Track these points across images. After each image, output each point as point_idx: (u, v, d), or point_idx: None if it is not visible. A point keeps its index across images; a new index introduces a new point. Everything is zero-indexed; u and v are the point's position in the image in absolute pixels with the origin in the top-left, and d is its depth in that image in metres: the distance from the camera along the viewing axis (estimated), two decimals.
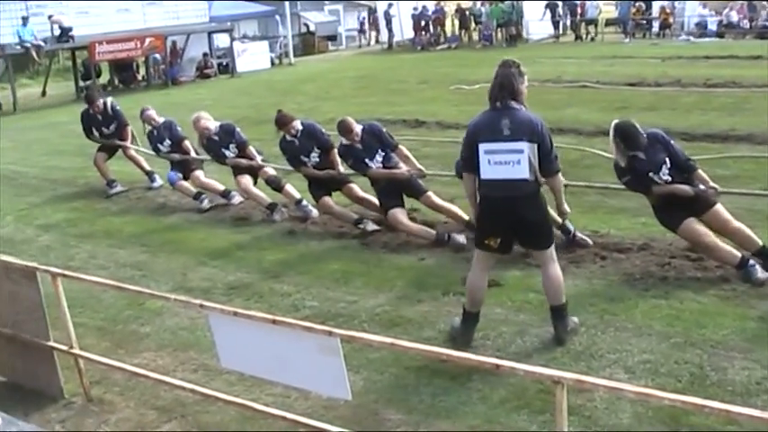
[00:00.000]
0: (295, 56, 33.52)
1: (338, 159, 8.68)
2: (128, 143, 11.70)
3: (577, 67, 22.28)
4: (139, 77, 29.45)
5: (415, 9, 35.29)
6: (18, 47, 24.09)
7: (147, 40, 26.81)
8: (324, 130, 8.99)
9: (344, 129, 8.18)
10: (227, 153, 9.78)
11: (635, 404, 4.67)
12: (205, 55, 29.81)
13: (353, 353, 5.42)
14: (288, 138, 8.85)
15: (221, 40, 31.02)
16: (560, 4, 33.12)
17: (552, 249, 5.68)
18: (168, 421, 5.14)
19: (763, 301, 6.02)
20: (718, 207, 6.51)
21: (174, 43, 29.36)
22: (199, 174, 10.40)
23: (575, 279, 6.80)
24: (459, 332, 5.81)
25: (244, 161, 9.71)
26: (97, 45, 25.48)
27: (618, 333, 5.73)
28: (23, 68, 29.67)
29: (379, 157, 8.14)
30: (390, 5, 35.46)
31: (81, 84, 27.11)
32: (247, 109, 18.42)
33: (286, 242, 8.64)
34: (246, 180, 9.66)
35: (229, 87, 25.75)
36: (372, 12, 39.45)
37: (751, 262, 6.39)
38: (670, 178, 6.44)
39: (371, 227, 8.54)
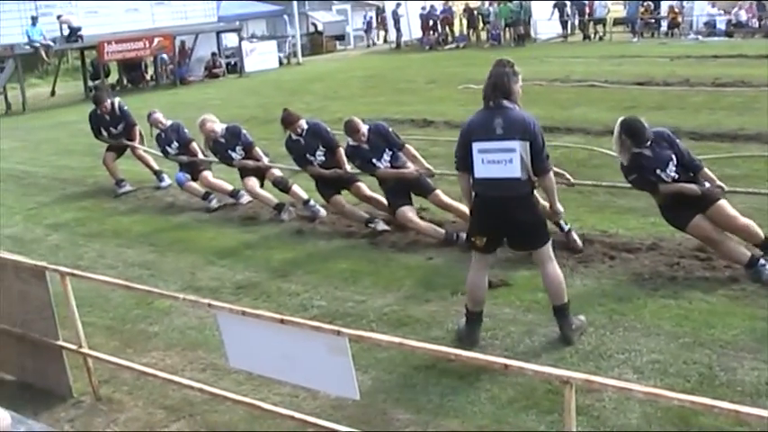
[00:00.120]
0: (303, 55, 33.55)
1: (344, 159, 8.69)
2: (136, 143, 11.73)
3: (586, 67, 22.22)
4: (148, 77, 29.51)
5: (424, 9, 35.23)
6: (27, 47, 24.16)
7: (156, 40, 26.88)
8: (329, 129, 9.00)
9: (351, 129, 8.18)
10: (233, 155, 9.80)
11: (644, 404, 4.67)
12: (213, 55, 29.87)
13: (362, 352, 5.42)
14: (293, 137, 8.86)
15: (230, 40, 31.11)
16: (568, 3, 33.02)
17: (549, 248, 5.69)
18: (176, 420, 5.15)
19: None
20: (723, 202, 6.48)
21: (182, 43, 29.41)
22: (207, 174, 10.42)
23: (583, 279, 6.80)
24: (465, 333, 5.81)
25: (251, 162, 9.73)
26: (106, 45, 25.55)
27: (627, 333, 5.72)
28: (33, 68, 29.76)
29: (386, 157, 8.14)
30: (398, 5, 35.43)
31: (90, 83, 27.21)
32: (255, 108, 18.44)
33: (294, 241, 8.65)
34: (253, 182, 9.68)
35: (238, 87, 25.78)
36: (380, 11, 39.43)
37: (761, 261, 6.37)
38: (677, 176, 6.42)
39: (382, 226, 8.54)
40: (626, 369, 5.22)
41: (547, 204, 6.14)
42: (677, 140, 6.58)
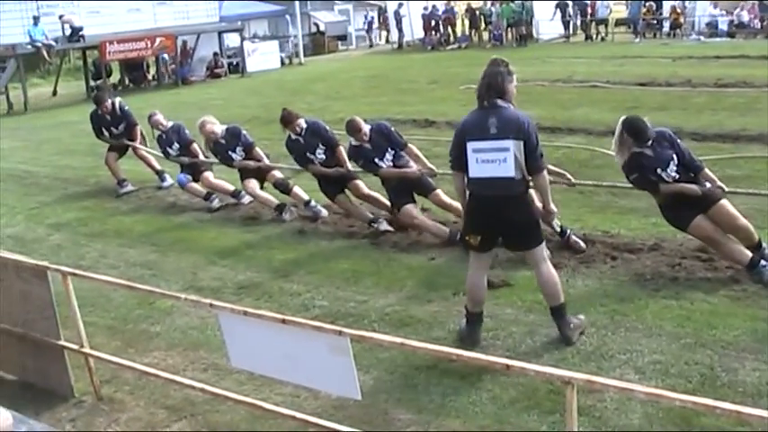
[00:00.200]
0: (305, 55, 33.55)
1: (345, 157, 8.72)
2: (137, 143, 11.74)
3: (588, 67, 22.22)
4: (150, 77, 29.53)
5: (426, 9, 35.26)
6: (29, 46, 24.18)
7: (158, 40, 26.89)
8: (328, 128, 9.02)
9: (352, 128, 8.19)
10: (233, 156, 9.80)
11: (645, 405, 4.66)
12: (215, 54, 29.89)
13: (363, 352, 5.43)
14: (293, 136, 8.89)
15: (231, 40, 31.11)
16: (571, 3, 32.99)
17: (542, 248, 5.70)
18: (178, 420, 5.15)
19: None
20: (724, 202, 6.49)
21: (184, 43, 29.42)
22: (208, 175, 10.43)
23: (585, 279, 6.80)
24: (466, 333, 5.82)
25: (251, 163, 9.73)
26: (108, 45, 25.57)
27: (628, 333, 5.72)
28: (34, 68, 29.78)
29: (389, 156, 8.15)
30: (400, 5, 35.44)
31: (92, 83, 27.22)
32: (257, 108, 18.45)
33: (296, 241, 8.65)
34: (253, 184, 9.70)
35: (239, 87, 25.79)
36: (383, 11, 39.44)
37: (763, 263, 6.37)
38: (677, 176, 6.43)
39: (384, 227, 8.55)
40: (628, 369, 5.22)
41: (540, 204, 6.15)
42: (678, 140, 6.59)
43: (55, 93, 27.81)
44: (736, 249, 6.44)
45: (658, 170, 6.41)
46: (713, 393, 4.66)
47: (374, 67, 28.03)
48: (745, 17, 30.82)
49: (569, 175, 7.61)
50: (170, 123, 10.85)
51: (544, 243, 5.75)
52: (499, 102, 5.42)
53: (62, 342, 5.42)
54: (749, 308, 5.95)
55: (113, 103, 11.75)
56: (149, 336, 6.51)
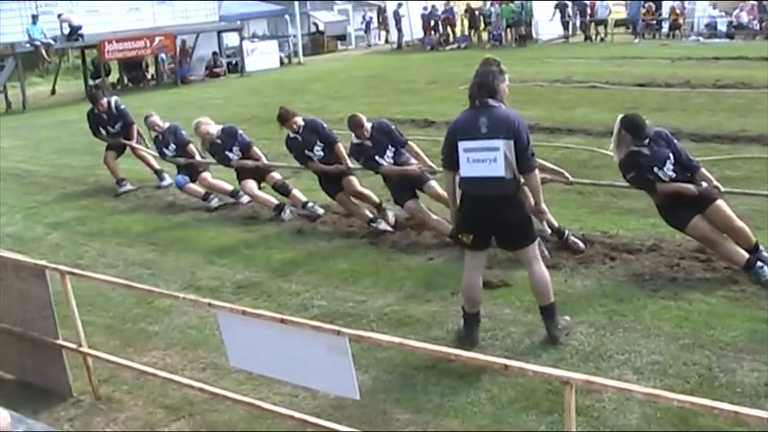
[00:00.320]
0: (304, 55, 33.56)
1: (344, 154, 8.76)
2: (134, 142, 11.73)
3: (587, 68, 22.23)
4: (149, 76, 29.52)
5: (425, 9, 35.25)
6: (28, 45, 24.16)
7: (157, 39, 26.88)
8: (325, 125, 9.04)
9: (354, 123, 8.20)
10: (231, 155, 9.81)
11: (643, 405, 4.67)
12: (214, 54, 29.88)
13: (362, 352, 5.42)
14: (291, 134, 8.92)
15: (231, 40, 31.10)
16: (570, 4, 33.02)
17: (535, 248, 5.70)
18: (176, 420, 5.15)
19: None
20: (720, 202, 6.51)
21: (183, 42, 29.39)
22: (206, 175, 10.43)
23: (584, 280, 6.80)
24: (464, 334, 5.82)
25: (249, 162, 9.74)
26: (107, 44, 25.55)
27: (627, 334, 5.72)
28: (33, 67, 29.72)
29: (389, 153, 8.18)
30: (400, 5, 35.43)
31: (90, 82, 27.20)
32: (257, 108, 18.43)
33: (295, 241, 8.65)
34: (251, 185, 9.70)
35: (239, 86, 25.78)
36: (382, 11, 39.43)
37: (759, 264, 6.38)
38: (674, 174, 6.44)
39: (383, 226, 8.57)
40: (626, 370, 5.22)
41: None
42: (674, 140, 6.61)
43: (54, 92, 27.78)
44: (734, 250, 6.44)
45: (655, 169, 6.42)
46: (711, 394, 4.66)
47: (373, 67, 28.03)
48: (745, 18, 30.85)
49: (567, 174, 7.62)
50: (166, 124, 10.85)
51: (536, 242, 5.75)
52: (490, 101, 5.43)
53: (60, 341, 5.41)
54: (747, 308, 5.96)
55: (109, 102, 11.76)
56: (148, 335, 6.50)
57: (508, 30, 33.12)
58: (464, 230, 5.67)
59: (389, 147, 8.19)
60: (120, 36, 26.22)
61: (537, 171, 5.64)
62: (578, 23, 34.12)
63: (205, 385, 5.05)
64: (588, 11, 33.18)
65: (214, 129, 9.91)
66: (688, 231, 6.59)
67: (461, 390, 5.14)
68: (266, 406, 4.73)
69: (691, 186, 6.43)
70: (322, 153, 8.83)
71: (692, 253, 7.06)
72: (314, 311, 6.62)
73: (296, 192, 9.62)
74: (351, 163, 8.72)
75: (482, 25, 35.00)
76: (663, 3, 32.66)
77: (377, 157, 8.16)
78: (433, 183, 8.10)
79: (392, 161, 8.19)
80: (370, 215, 8.72)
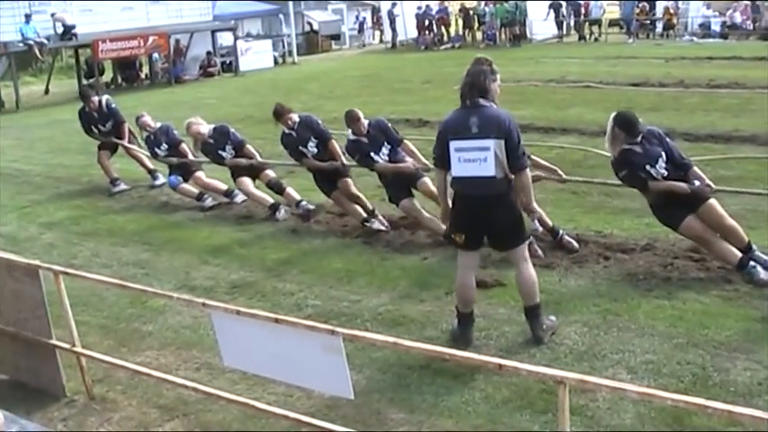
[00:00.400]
0: (299, 55, 33.54)
1: (338, 151, 8.77)
2: (125, 141, 11.71)
3: (581, 68, 22.25)
4: (143, 76, 29.46)
5: (419, 8, 35.26)
6: (21, 44, 24.11)
7: (151, 39, 26.84)
8: (320, 122, 9.05)
9: (351, 118, 8.21)
10: (224, 154, 9.80)
11: (637, 404, 4.67)
12: (209, 53, 29.83)
13: (356, 352, 5.44)
14: (286, 131, 8.93)
15: (225, 39, 31.05)
16: (564, 4, 33.07)
17: (524, 248, 5.71)
18: (170, 420, 5.14)
19: (766, 301, 6.01)
20: (713, 202, 6.54)
21: (177, 42, 29.36)
22: (200, 174, 10.42)
23: (578, 279, 6.81)
24: (458, 333, 5.82)
25: (243, 161, 9.73)
26: (100, 43, 25.50)
27: (621, 333, 5.73)
28: (26, 66, 29.72)
29: (385, 150, 8.19)
30: (394, 5, 35.45)
31: (84, 82, 27.14)
32: (251, 108, 18.42)
33: (289, 240, 8.65)
34: (247, 182, 9.69)
35: (233, 86, 25.75)
36: (376, 11, 39.42)
37: (752, 263, 6.40)
38: (666, 172, 6.46)
39: (377, 226, 8.57)
40: (620, 369, 5.23)
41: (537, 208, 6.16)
42: (667, 138, 6.63)
43: (47, 91, 27.72)
44: (727, 249, 6.46)
45: (647, 166, 6.44)
46: (705, 393, 4.67)
47: (368, 67, 28.02)
48: (738, 18, 30.91)
49: (560, 171, 7.63)
50: (158, 124, 10.84)
51: (527, 243, 5.75)
52: (481, 101, 5.43)
53: (54, 341, 5.40)
54: (741, 308, 5.97)
55: (100, 101, 11.75)
56: (142, 335, 6.49)
57: (502, 29, 33.12)
58: (456, 230, 5.67)
59: (385, 144, 8.20)
60: (113, 35, 26.17)
61: (528, 170, 5.65)
62: (572, 23, 34.16)
63: (199, 385, 5.04)
64: (582, 11, 33.22)
65: (205, 128, 9.90)
66: (681, 231, 6.61)
67: (456, 389, 5.14)
68: (260, 406, 4.72)
69: (683, 185, 6.44)
70: (316, 150, 8.84)
71: (685, 252, 7.07)
72: (308, 311, 6.62)
73: (290, 190, 9.63)
74: (346, 160, 8.72)
75: (476, 25, 35.04)
76: (657, 3, 32.70)
77: (372, 154, 8.17)
78: (427, 179, 8.11)
79: (387, 159, 8.20)
80: (364, 214, 8.72)
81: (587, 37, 32.77)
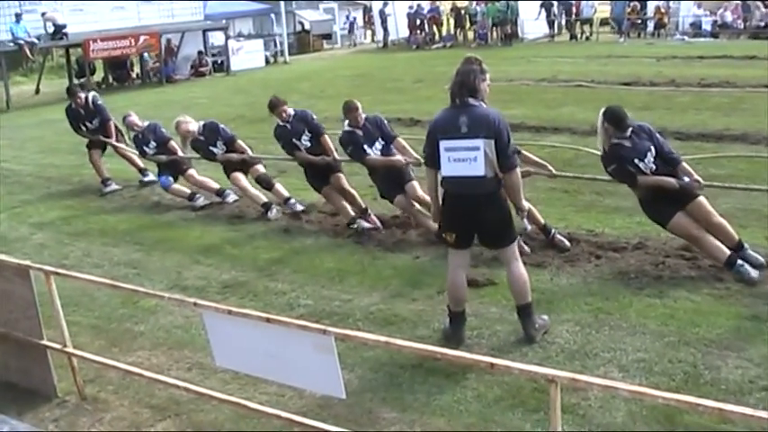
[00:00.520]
0: (290, 54, 33.50)
1: (331, 146, 8.81)
2: (113, 140, 11.67)
3: (573, 67, 22.29)
4: (134, 75, 29.38)
5: (411, 8, 35.27)
6: (11, 44, 24.03)
7: (142, 38, 26.76)
8: (315, 117, 9.07)
9: (350, 108, 8.22)
10: (215, 150, 9.80)
11: (629, 403, 4.68)
12: (200, 53, 29.76)
13: (348, 351, 5.44)
14: (281, 123, 8.94)
15: (216, 39, 30.99)
16: (555, 3, 33.11)
17: (514, 247, 5.72)
18: (162, 420, 5.13)
19: (757, 299, 6.04)
20: (702, 199, 6.58)
21: (168, 41, 29.28)
22: (192, 172, 10.42)
23: (570, 278, 6.82)
24: (450, 332, 5.83)
25: (235, 156, 9.75)
26: (91, 43, 25.42)
27: (612, 332, 5.74)
28: (17, 66, 29.60)
29: (378, 145, 8.21)
30: (386, 4, 35.44)
31: (75, 81, 27.05)
32: (242, 107, 18.41)
33: (281, 240, 8.64)
34: (241, 178, 9.68)
35: (224, 86, 25.71)
36: (368, 10, 39.40)
37: (740, 261, 6.43)
38: (655, 167, 6.49)
39: (363, 225, 8.58)
40: (611, 368, 5.24)
41: (527, 205, 6.18)
42: (657, 133, 6.67)
43: (38, 91, 27.61)
44: (716, 246, 6.48)
45: (636, 160, 6.47)
46: (696, 391, 4.69)
47: (359, 66, 28.01)
48: (729, 17, 31.00)
49: (550, 167, 7.65)
50: (145, 123, 10.83)
51: (516, 242, 5.77)
52: (470, 100, 5.43)
53: (45, 342, 5.38)
54: (732, 306, 5.99)
55: (87, 98, 11.72)
56: (133, 335, 6.48)
57: (494, 29, 33.16)
58: (447, 229, 5.68)
59: (379, 139, 8.22)
60: (104, 35, 26.11)
61: (518, 169, 5.65)
62: (564, 22, 34.20)
63: (191, 385, 5.04)
64: (574, 10, 33.27)
65: (194, 126, 9.90)
66: (670, 228, 6.63)
67: (447, 388, 5.15)
68: (252, 405, 4.72)
69: (672, 180, 6.47)
70: (309, 144, 8.86)
71: (677, 251, 7.09)
72: (300, 311, 6.61)
73: (279, 186, 9.66)
74: (338, 155, 8.74)
75: (468, 24, 35.08)
76: (648, 2, 32.77)
77: (365, 146, 8.17)
78: (415, 183, 8.11)
79: (380, 154, 8.21)
80: (352, 213, 8.72)
81: (579, 36, 32.82)
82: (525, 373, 3.59)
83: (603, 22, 33.57)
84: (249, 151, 9.85)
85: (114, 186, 11.64)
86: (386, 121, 8.43)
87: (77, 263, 8.30)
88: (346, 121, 8.29)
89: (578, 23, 33.30)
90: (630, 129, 6.50)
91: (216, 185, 10.28)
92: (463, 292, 5.78)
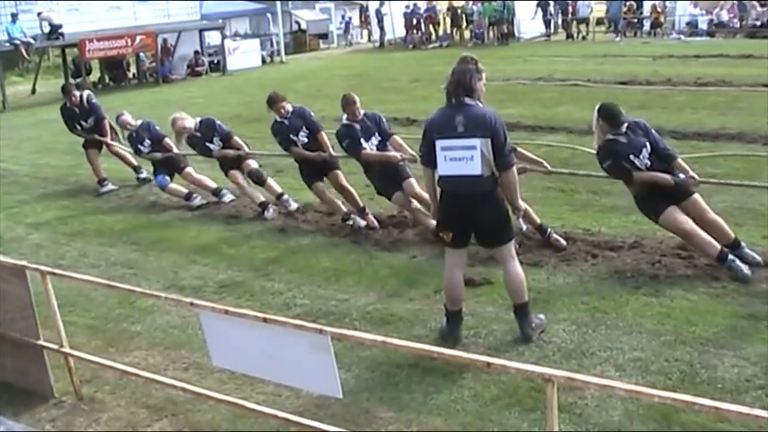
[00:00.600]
0: (286, 54, 33.46)
1: (327, 143, 8.81)
2: (108, 138, 11.66)
3: (569, 66, 22.30)
4: (130, 75, 29.34)
5: (407, 7, 35.26)
6: (7, 44, 23.97)
7: (138, 38, 26.72)
8: (313, 114, 9.09)
9: (348, 101, 8.23)
10: (212, 146, 9.80)
11: (626, 402, 4.69)
12: (196, 53, 29.74)
13: (345, 351, 5.44)
14: (278, 119, 8.95)
15: (212, 38, 30.96)
16: (552, 2, 33.11)
17: (511, 246, 5.73)
18: (159, 420, 5.12)
19: (753, 298, 6.05)
20: (697, 196, 6.61)
21: (164, 41, 29.23)
22: (190, 170, 10.42)
23: (566, 277, 6.82)
24: (447, 332, 5.83)
25: (231, 152, 9.74)
26: (88, 42, 25.38)
27: (609, 331, 5.74)
28: (13, 66, 29.52)
29: (374, 141, 8.22)
30: (382, 4, 35.43)
31: (72, 81, 27.00)
32: (239, 107, 18.40)
33: (277, 239, 8.63)
34: (239, 176, 9.68)
35: (221, 85, 25.69)
36: (364, 10, 39.39)
37: (731, 257, 6.44)
38: (650, 163, 6.51)
39: (359, 222, 8.59)
40: (608, 367, 5.24)
41: (524, 206, 6.18)
42: (652, 130, 6.69)
43: (34, 91, 27.56)
44: (707, 242, 6.48)
45: (631, 156, 6.49)
46: (693, 390, 4.70)
47: (356, 66, 28.00)
48: (725, 16, 31.03)
49: (546, 163, 7.65)
50: (139, 121, 10.84)
51: (513, 241, 5.77)
52: (467, 100, 5.43)
53: (42, 342, 5.38)
54: (728, 305, 6.00)
55: (81, 96, 11.70)
56: (130, 335, 6.47)
57: (490, 28, 33.17)
58: (444, 228, 5.69)
59: (376, 135, 8.24)
60: (100, 35, 26.04)
61: (515, 168, 5.65)
62: (560, 22, 34.22)
63: (188, 385, 5.03)
64: (570, 9, 33.29)
65: (191, 122, 9.90)
66: (662, 222, 6.63)
67: (444, 388, 5.15)
68: (249, 405, 4.72)
69: (667, 176, 6.50)
70: (306, 140, 8.87)
71: (673, 250, 7.10)
72: (297, 310, 6.61)
73: (271, 181, 9.69)
74: (333, 151, 8.76)
75: (464, 24, 35.11)
76: (644, 1, 32.80)
77: (362, 140, 8.18)
78: (413, 180, 8.10)
79: (375, 148, 8.21)
80: (345, 209, 8.73)
81: (575, 35, 32.83)
82: (522, 372, 3.59)
83: (600, 22, 33.59)
84: (246, 148, 9.85)
85: (111, 186, 11.63)
86: (384, 119, 8.44)
87: (74, 263, 8.29)
88: (344, 116, 8.29)
89: (575, 23, 33.31)
90: (626, 125, 6.53)
91: (213, 184, 10.27)
92: (460, 291, 5.78)
